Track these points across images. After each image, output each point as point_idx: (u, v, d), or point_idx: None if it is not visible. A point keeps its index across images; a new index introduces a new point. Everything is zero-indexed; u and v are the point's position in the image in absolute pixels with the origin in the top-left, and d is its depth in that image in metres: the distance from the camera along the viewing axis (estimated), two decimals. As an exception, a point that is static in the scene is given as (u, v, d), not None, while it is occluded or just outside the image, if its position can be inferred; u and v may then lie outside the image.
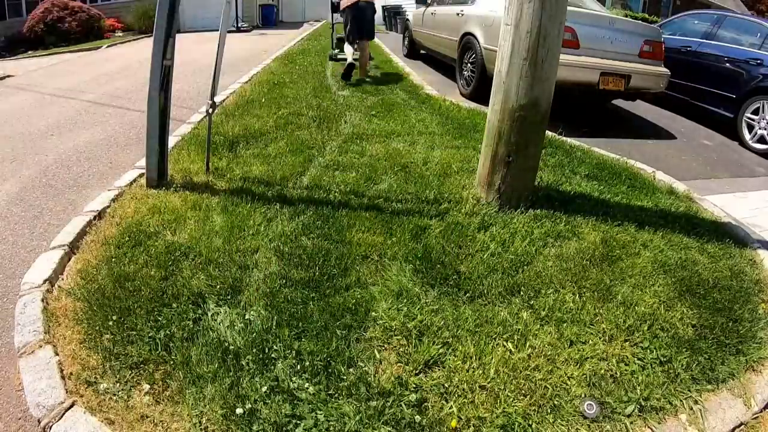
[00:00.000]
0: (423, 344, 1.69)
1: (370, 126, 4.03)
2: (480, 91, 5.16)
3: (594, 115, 5.72)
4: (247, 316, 1.76)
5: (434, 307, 1.86)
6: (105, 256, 2.11)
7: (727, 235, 2.69)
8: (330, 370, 1.56)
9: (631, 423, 1.52)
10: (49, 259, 2.12)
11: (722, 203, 3.37)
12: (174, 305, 1.80)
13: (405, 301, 1.89)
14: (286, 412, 1.41)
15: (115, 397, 1.48)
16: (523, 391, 1.56)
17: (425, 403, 1.49)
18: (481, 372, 1.60)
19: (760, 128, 4.94)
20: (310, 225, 2.36)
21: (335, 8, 6.84)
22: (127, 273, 1.97)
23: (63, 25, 12.52)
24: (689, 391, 1.65)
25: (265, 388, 1.48)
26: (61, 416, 1.42)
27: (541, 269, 2.15)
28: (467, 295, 1.96)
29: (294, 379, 1.52)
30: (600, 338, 1.79)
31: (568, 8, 2.74)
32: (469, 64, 5.64)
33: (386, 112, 4.51)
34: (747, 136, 5.07)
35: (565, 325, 1.83)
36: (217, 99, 4.19)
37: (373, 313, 1.81)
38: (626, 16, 8.94)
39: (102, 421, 1.41)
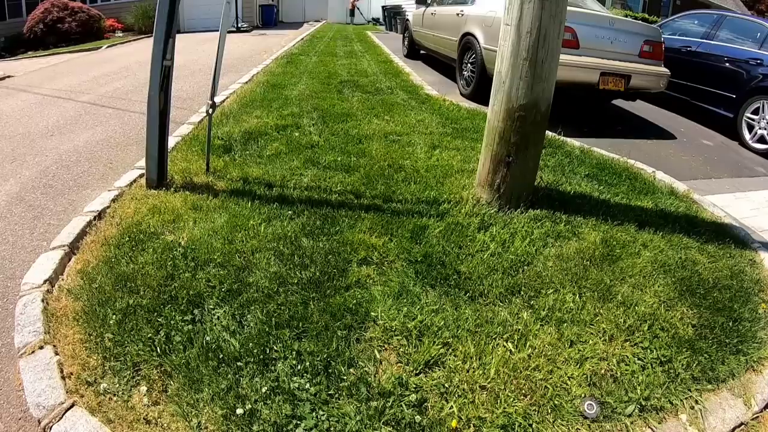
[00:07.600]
0: (423, 344, 1.69)
1: (370, 126, 4.03)
2: (480, 91, 5.16)
3: (594, 115, 5.72)
4: (247, 317, 1.76)
5: (434, 307, 1.86)
6: (105, 257, 2.12)
7: (727, 235, 2.69)
8: (330, 371, 1.56)
9: (632, 423, 1.52)
10: (49, 259, 2.12)
11: (722, 203, 3.37)
12: (174, 305, 1.80)
13: (405, 301, 1.89)
14: (286, 412, 1.41)
15: (115, 398, 1.48)
16: (523, 391, 1.55)
17: (425, 404, 1.49)
18: (481, 372, 1.60)
19: (760, 128, 4.94)
20: (310, 225, 2.36)
21: None
22: (126, 273, 1.97)
23: (63, 26, 12.52)
24: (689, 390, 1.65)
25: (266, 388, 1.48)
26: (61, 416, 1.42)
27: (541, 269, 2.15)
28: (467, 295, 1.96)
29: (294, 379, 1.52)
30: (600, 338, 1.79)
31: (568, 8, 2.74)
32: (469, 65, 5.64)
33: (386, 113, 4.51)
34: (747, 136, 5.07)
35: (565, 325, 1.83)
36: (217, 99, 4.20)
37: (373, 314, 1.81)
38: (626, 16, 8.93)
39: (102, 422, 1.41)
